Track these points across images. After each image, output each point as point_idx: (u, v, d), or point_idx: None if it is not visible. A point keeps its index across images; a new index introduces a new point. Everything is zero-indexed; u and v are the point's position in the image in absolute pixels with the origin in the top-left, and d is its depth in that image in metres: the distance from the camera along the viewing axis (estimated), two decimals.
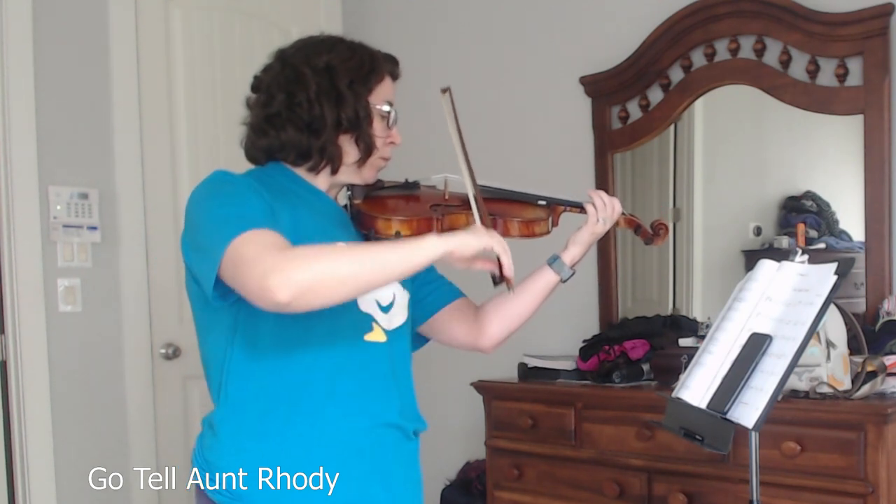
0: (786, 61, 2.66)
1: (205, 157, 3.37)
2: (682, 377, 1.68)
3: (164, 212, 3.27)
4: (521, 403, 2.75)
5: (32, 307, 2.92)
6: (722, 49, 2.79)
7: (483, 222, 1.54)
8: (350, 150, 1.55)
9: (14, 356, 2.89)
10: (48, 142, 2.97)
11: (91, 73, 3.10)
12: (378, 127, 1.57)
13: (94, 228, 3.08)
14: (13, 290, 2.89)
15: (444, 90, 1.63)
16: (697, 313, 2.94)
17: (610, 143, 3.06)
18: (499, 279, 1.46)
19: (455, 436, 3.39)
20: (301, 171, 1.57)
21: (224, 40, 3.47)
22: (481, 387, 2.85)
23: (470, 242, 1.40)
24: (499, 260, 1.43)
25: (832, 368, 2.13)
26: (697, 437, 1.56)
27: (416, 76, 3.58)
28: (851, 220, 2.62)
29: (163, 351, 3.25)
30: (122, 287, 3.15)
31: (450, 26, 3.57)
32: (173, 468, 3.27)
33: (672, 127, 2.96)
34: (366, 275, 1.34)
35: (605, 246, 3.06)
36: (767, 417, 1.45)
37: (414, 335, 1.70)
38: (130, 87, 3.19)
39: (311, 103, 1.51)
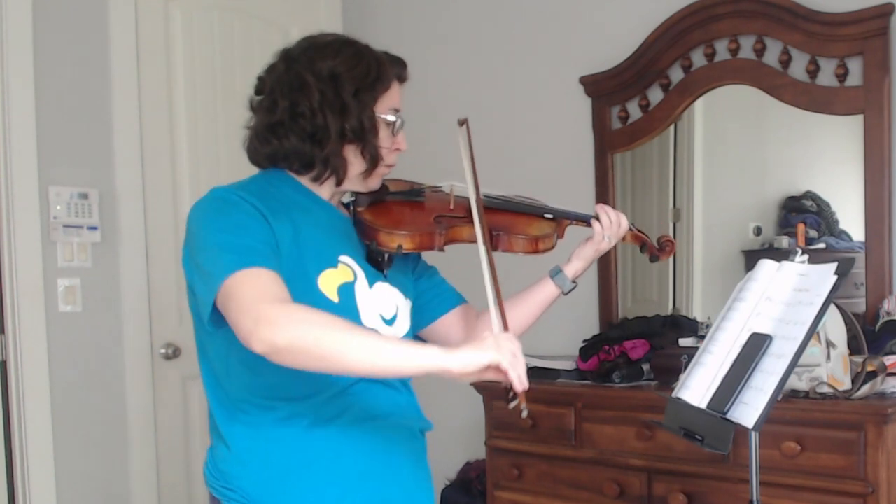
0: (786, 61, 2.66)
1: (205, 157, 3.37)
2: (682, 377, 1.68)
3: (164, 212, 3.27)
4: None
5: (32, 307, 2.92)
6: (722, 49, 2.79)
7: (504, 327, 1.42)
8: (355, 161, 1.53)
9: (14, 356, 2.89)
10: (48, 142, 2.97)
11: (91, 73, 3.09)
12: (383, 136, 1.54)
13: (94, 228, 3.07)
14: (13, 290, 2.89)
15: (462, 122, 1.61)
16: (697, 313, 2.94)
17: (610, 143, 3.06)
18: (511, 395, 1.30)
19: (455, 436, 3.39)
20: (304, 180, 1.55)
21: (224, 40, 3.47)
22: (481, 387, 2.85)
23: (472, 361, 1.27)
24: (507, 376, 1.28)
25: (832, 368, 2.13)
26: (697, 437, 1.56)
27: (416, 77, 3.59)
28: (851, 220, 2.62)
29: (163, 351, 3.25)
30: (122, 287, 3.15)
31: (449, 26, 3.56)
32: (173, 468, 3.28)
33: (672, 127, 2.96)
34: (349, 360, 1.28)
35: None
36: (767, 417, 1.45)
37: (413, 338, 1.69)
38: (130, 87, 3.19)
39: (314, 113, 1.48)
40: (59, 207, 2.98)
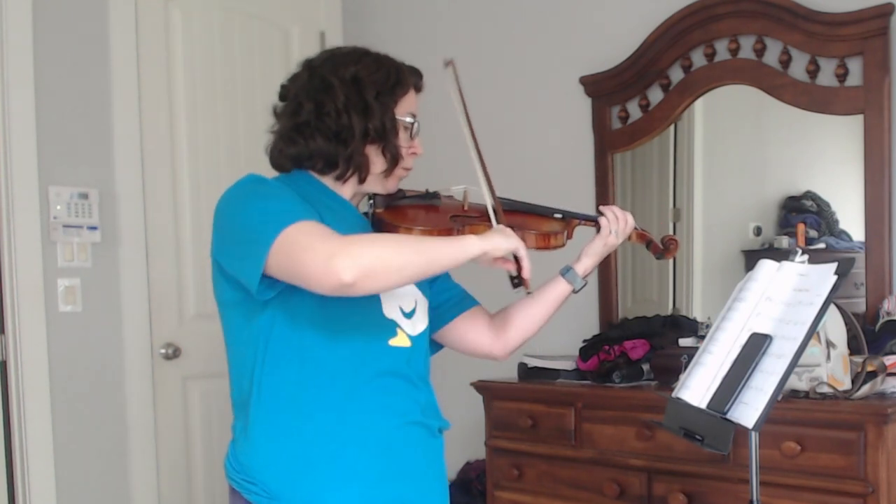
0: (786, 61, 2.66)
1: (205, 156, 3.36)
2: (682, 377, 1.68)
3: (164, 212, 3.27)
4: (521, 403, 2.75)
5: (32, 307, 2.92)
6: (722, 49, 2.79)
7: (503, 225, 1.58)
8: (377, 161, 1.59)
9: (14, 356, 2.89)
10: (48, 142, 2.97)
11: (91, 73, 3.09)
12: (402, 138, 1.61)
13: (94, 228, 3.07)
14: (13, 290, 2.89)
15: (448, 63, 1.65)
16: (697, 313, 2.94)
17: (610, 143, 3.06)
18: (517, 281, 1.50)
19: (455, 436, 3.37)
20: (327, 180, 1.60)
21: (224, 40, 3.46)
22: (481, 387, 2.85)
23: (501, 244, 1.49)
24: (519, 262, 1.50)
25: (832, 368, 2.13)
26: (697, 437, 1.56)
27: None
28: (851, 220, 2.62)
29: (163, 351, 3.25)
30: (122, 287, 3.15)
31: (449, 27, 3.56)
32: (173, 468, 3.28)
33: (672, 127, 2.96)
34: (420, 264, 1.42)
35: None
36: (767, 417, 1.45)
37: (430, 341, 1.73)
38: (130, 87, 3.19)
39: (339, 113, 1.54)
40: (59, 207, 2.98)
